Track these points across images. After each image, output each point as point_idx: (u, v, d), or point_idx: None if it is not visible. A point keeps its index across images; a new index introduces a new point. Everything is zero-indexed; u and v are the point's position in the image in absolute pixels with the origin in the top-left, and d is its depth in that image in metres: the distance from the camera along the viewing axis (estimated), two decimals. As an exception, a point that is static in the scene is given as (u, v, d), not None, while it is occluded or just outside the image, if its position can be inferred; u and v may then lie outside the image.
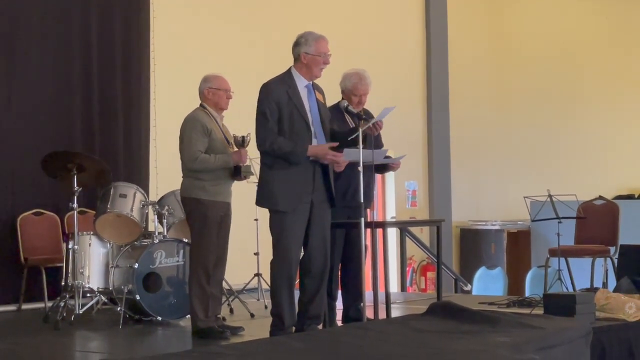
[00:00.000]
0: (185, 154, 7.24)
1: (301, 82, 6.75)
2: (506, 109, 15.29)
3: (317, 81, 6.86)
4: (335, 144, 6.71)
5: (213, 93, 7.39)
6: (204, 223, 7.16)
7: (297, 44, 6.74)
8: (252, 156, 7.28)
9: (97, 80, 10.11)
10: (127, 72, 10.37)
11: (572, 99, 16.17)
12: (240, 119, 7.75)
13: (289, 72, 6.79)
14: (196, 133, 7.19)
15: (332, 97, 7.25)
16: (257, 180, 7.42)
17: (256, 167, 7.06)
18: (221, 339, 7.03)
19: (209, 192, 7.17)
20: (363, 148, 6.74)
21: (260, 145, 6.70)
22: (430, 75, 14.15)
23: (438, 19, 14.18)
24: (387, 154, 7.67)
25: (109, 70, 10.23)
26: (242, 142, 7.29)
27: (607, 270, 9.99)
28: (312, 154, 6.63)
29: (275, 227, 6.68)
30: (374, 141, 7.03)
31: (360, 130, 6.74)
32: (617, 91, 16.80)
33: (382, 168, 7.71)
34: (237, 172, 7.24)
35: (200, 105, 7.43)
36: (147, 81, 10.53)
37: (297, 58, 6.75)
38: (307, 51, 6.70)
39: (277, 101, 6.64)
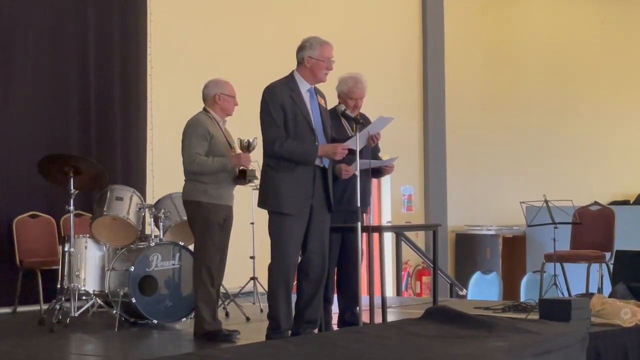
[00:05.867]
0: (184, 156, 7.26)
1: (304, 86, 6.76)
2: (502, 114, 15.30)
3: (312, 85, 6.88)
4: (347, 146, 6.70)
5: (224, 99, 7.38)
6: (206, 226, 7.16)
7: (301, 48, 6.76)
8: (254, 158, 7.28)
9: (94, 83, 10.11)
10: (124, 75, 10.37)
11: (567, 105, 16.19)
12: (237, 121, 7.75)
13: (291, 75, 6.79)
14: (197, 136, 7.20)
15: (329, 101, 7.25)
16: (254, 184, 7.43)
17: (258, 171, 7.06)
18: (229, 341, 7.03)
19: (210, 195, 7.17)
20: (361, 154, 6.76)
21: (269, 148, 6.68)
22: (427, 80, 14.17)
23: (434, 25, 14.21)
24: (381, 158, 7.69)
25: (106, 73, 10.23)
26: (247, 146, 7.30)
27: (602, 276, 10.01)
28: (323, 152, 6.65)
29: (275, 230, 6.68)
30: (371, 146, 7.05)
31: (358, 135, 6.74)
32: (613, 97, 16.82)
33: (377, 172, 7.72)
34: (242, 176, 7.24)
35: (203, 109, 7.42)
36: (144, 84, 10.53)
37: (300, 62, 6.76)
38: (311, 55, 6.71)
39: (281, 104, 6.64)
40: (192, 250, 7.69)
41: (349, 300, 7.48)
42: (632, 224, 11.74)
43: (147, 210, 8.46)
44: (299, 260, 6.77)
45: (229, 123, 7.55)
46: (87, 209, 9.15)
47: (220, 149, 7.26)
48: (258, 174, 7.08)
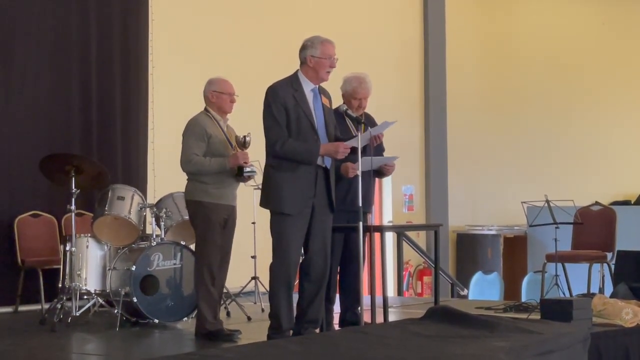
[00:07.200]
0: (181, 156, 7.28)
1: (307, 86, 6.76)
2: (503, 114, 15.30)
3: (317, 84, 6.88)
4: (349, 145, 6.71)
5: (217, 96, 7.39)
6: (208, 226, 7.17)
7: (303, 48, 6.77)
8: (256, 157, 7.28)
9: (95, 83, 10.12)
10: (126, 75, 10.37)
11: (569, 105, 16.18)
12: (240, 120, 7.75)
13: (295, 75, 6.80)
14: (194, 137, 7.23)
15: (335, 101, 7.24)
16: (256, 183, 7.42)
17: (259, 169, 7.06)
18: (230, 341, 7.03)
19: (212, 195, 7.18)
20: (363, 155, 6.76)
21: (271, 148, 6.68)
22: (428, 80, 14.17)
23: (436, 25, 14.20)
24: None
25: (107, 72, 10.23)
26: (243, 143, 7.30)
27: (603, 276, 10.01)
28: (325, 151, 6.65)
29: (277, 230, 6.68)
30: (376, 145, 7.05)
31: (360, 135, 6.74)
32: (614, 97, 16.82)
33: (378, 173, 7.72)
34: (240, 173, 7.25)
35: (205, 109, 7.44)
36: (145, 83, 10.53)
37: (303, 61, 6.77)
38: (313, 54, 6.71)
39: (284, 104, 6.65)
40: (194, 249, 7.69)
41: (351, 300, 7.47)
42: (634, 225, 11.73)
43: (148, 209, 8.47)
44: (301, 260, 6.77)
45: (231, 121, 7.55)
46: (89, 208, 9.16)
47: (219, 148, 7.27)
48: (258, 171, 7.08)
